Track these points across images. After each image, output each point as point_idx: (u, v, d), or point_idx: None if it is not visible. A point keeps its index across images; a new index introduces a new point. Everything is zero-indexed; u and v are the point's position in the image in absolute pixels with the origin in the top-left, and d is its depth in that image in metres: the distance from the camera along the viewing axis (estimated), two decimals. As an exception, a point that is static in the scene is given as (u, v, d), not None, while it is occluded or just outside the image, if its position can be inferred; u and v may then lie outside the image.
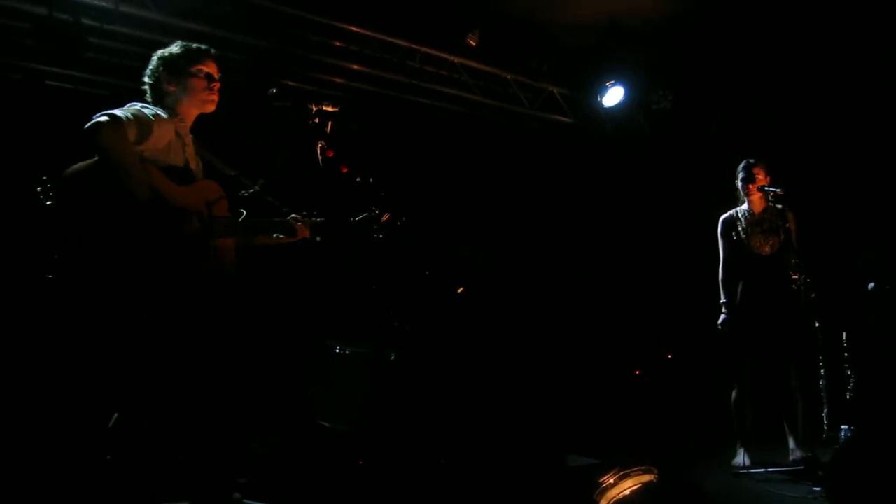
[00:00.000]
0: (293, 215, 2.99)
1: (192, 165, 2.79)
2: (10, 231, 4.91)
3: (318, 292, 5.85)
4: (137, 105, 2.63)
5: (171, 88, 2.78)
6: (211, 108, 2.84)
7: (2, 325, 4.80)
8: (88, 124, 2.39)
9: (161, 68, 2.80)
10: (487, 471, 4.37)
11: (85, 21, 4.68)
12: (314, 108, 2.74)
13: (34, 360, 4.89)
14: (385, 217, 2.78)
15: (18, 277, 4.90)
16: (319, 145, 2.74)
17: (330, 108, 2.78)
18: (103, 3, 4.64)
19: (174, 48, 2.83)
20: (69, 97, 5.37)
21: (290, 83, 5.69)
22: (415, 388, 4.76)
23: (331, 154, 2.68)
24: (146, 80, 2.82)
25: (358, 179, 2.62)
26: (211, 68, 2.82)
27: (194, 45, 2.85)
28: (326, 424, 4.52)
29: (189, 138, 2.81)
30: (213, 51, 2.87)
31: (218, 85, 2.80)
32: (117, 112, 2.47)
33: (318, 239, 2.88)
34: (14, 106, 5.15)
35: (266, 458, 4.29)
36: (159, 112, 2.67)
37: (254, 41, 5.13)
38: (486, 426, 5.12)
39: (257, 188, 2.85)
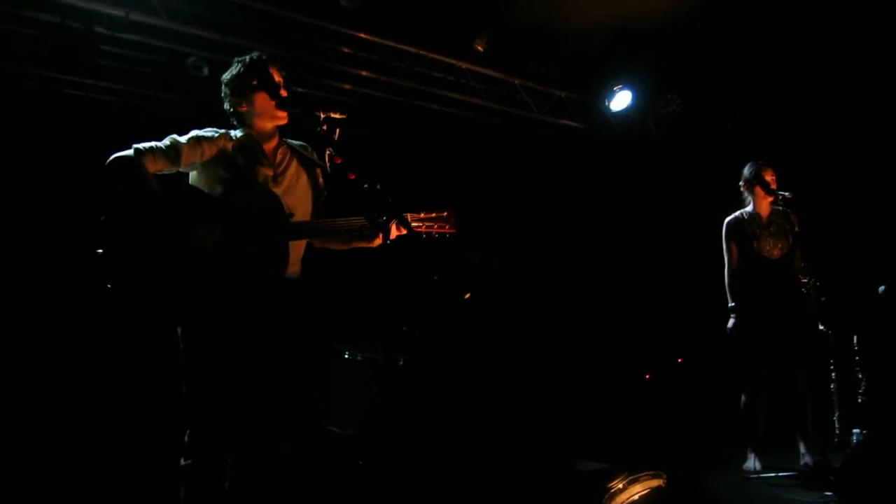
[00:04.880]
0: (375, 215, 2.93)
1: (264, 174, 2.89)
2: (18, 232, 4.99)
3: (328, 298, 5.87)
4: (196, 130, 2.83)
5: (243, 109, 2.90)
6: (282, 122, 2.92)
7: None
8: (109, 159, 2.61)
9: (228, 92, 2.91)
10: (498, 474, 4.37)
11: (97, 29, 4.74)
12: (322, 115, 2.75)
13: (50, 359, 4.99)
14: (392, 224, 2.78)
15: (25, 279, 4.99)
16: (328, 152, 2.75)
17: (338, 115, 2.78)
18: (115, 12, 4.69)
19: (233, 68, 2.91)
20: (82, 104, 5.44)
21: (300, 89, 5.73)
22: (425, 392, 4.77)
23: (339, 161, 2.69)
24: (223, 104, 2.97)
25: (365, 186, 2.62)
26: (276, 79, 2.88)
27: (248, 57, 2.91)
28: (335, 430, 4.54)
29: (264, 150, 2.93)
30: (265, 56, 2.91)
31: (285, 95, 2.86)
32: (142, 145, 2.68)
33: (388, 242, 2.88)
34: (29, 113, 5.22)
35: (277, 462, 4.31)
36: (209, 133, 2.84)
37: (263, 48, 5.14)
38: (497, 430, 5.13)
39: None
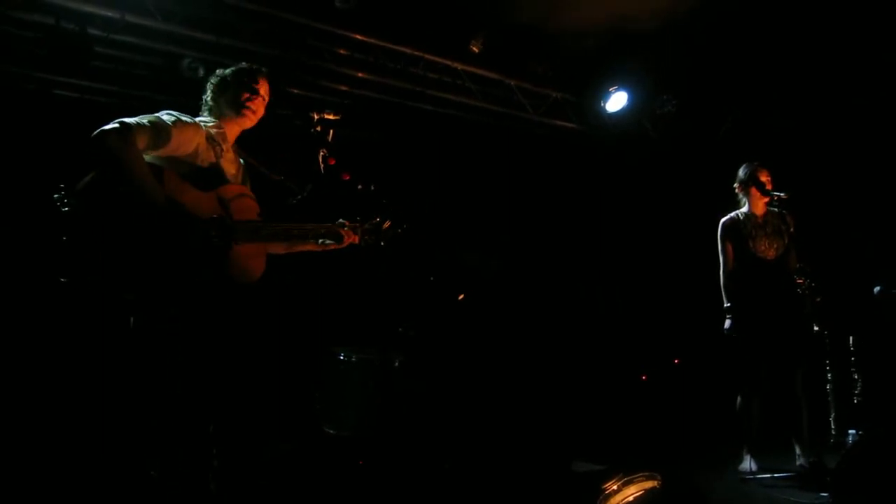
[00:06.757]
0: (340, 220, 3.01)
1: (229, 171, 2.82)
2: (18, 235, 4.97)
3: (324, 299, 5.87)
4: (164, 112, 2.64)
5: (218, 100, 2.90)
6: (248, 123, 2.90)
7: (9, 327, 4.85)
8: (95, 132, 2.39)
9: (214, 83, 2.92)
10: (493, 476, 4.37)
11: (91, 31, 4.73)
12: (316, 117, 2.75)
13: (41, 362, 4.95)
14: (386, 225, 2.78)
15: (28, 282, 4.96)
16: (321, 153, 2.75)
17: (331, 116, 2.79)
18: (109, 13, 4.68)
19: (233, 67, 2.93)
20: (76, 106, 5.42)
21: (295, 91, 5.73)
22: (420, 393, 4.77)
23: (332, 162, 2.69)
24: (203, 95, 2.94)
25: (360, 187, 2.62)
26: (260, 86, 2.89)
27: (247, 64, 2.93)
28: (331, 431, 4.53)
29: (227, 145, 2.86)
30: (264, 70, 2.93)
31: (259, 101, 2.86)
32: (128, 119, 2.46)
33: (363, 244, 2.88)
34: (23, 115, 5.20)
35: (276, 462, 4.31)
36: (186, 118, 2.68)
37: (258, 49, 5.16)
38: (492, 431, 5.12)
39: (305, 194, 2.86)
